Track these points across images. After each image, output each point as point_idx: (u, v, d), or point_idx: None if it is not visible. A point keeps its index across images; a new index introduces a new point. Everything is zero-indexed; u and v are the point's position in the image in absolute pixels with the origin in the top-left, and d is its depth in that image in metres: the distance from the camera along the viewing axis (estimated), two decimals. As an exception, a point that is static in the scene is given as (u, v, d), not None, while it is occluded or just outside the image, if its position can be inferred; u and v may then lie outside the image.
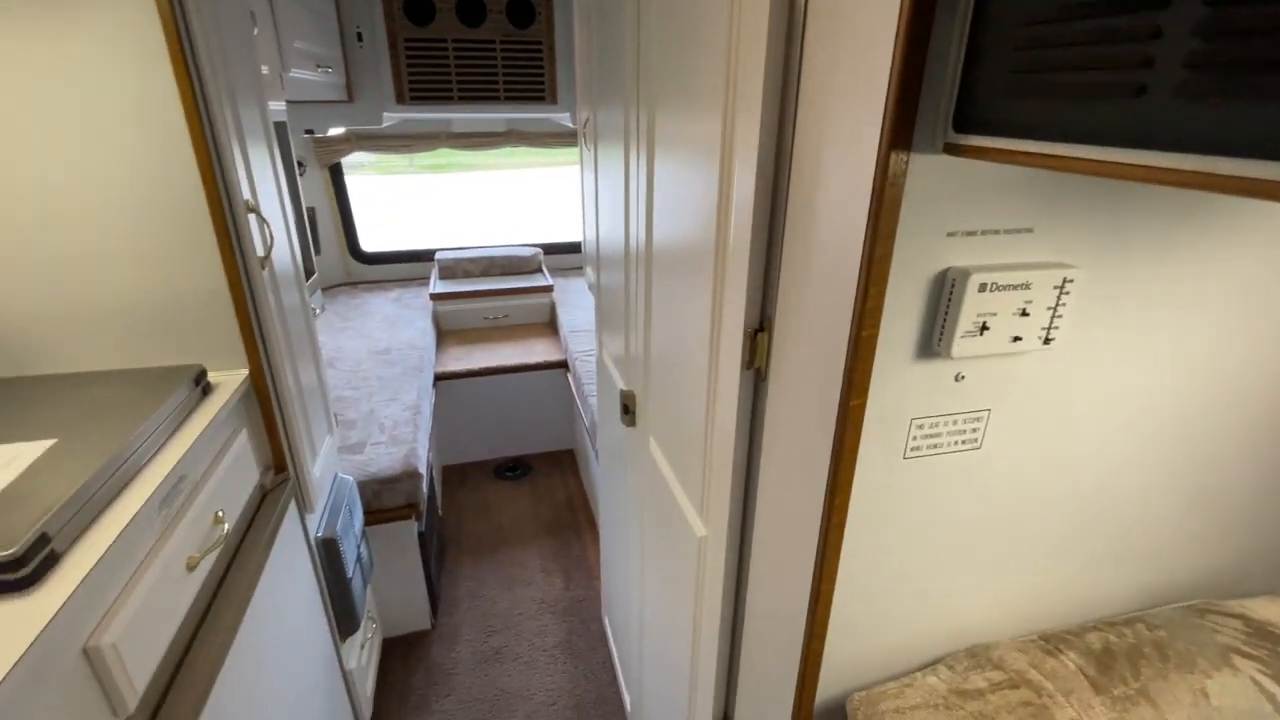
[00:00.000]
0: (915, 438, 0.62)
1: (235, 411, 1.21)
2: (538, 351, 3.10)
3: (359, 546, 1.74)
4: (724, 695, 1.00)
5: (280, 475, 1.36)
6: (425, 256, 3.83)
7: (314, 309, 1.76)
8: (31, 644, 0.63)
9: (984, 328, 0.55)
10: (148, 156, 1.09)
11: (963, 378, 0.60)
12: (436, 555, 2.33)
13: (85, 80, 1.03)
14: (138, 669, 0.81)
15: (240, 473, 1.19)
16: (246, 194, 1.21)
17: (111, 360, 1.18)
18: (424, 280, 3.73)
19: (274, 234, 1.32)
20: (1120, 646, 0.73)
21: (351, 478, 1.78)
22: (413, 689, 1.94)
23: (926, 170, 0.51)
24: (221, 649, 0.97)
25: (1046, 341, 0.58)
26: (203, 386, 1.16)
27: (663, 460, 1.15)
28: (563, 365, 3.00)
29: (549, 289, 3.47)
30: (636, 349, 1.28)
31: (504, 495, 2.90)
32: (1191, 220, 0.60)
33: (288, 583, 1.32)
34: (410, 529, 2.00)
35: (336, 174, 3.46)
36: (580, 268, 3.88)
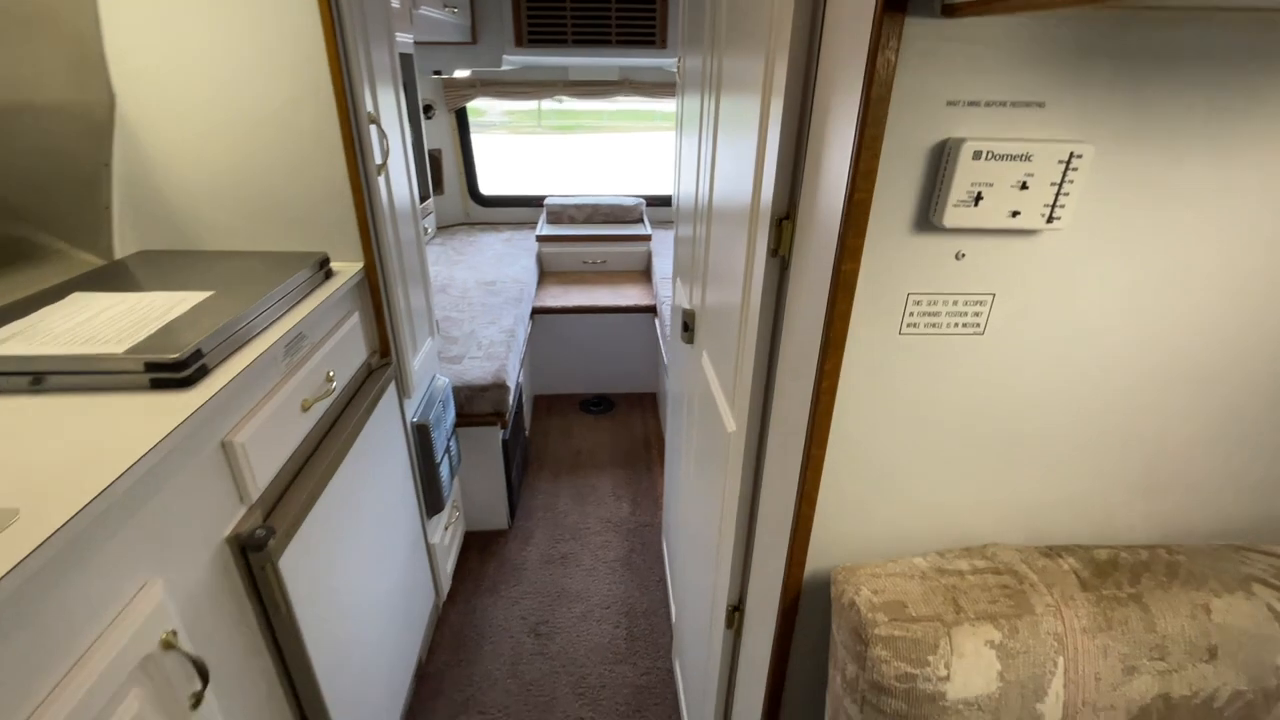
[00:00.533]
0: (912, 314, 0.65)
1: (349, 295, 1.42)
2: (630, 296, 3.22)
3: (449, 440, 1.96)
4: (739, 583, 1.07)
5: (384, 360, 1.58)
6: (536, 202, 4.04)
7: (425, 228, 1.97)
8: (184, 421, 0.83)
9: (979, 198, 0.57)
10: (294, 74, 1.29)
11: (963, 256, 0.62)
12: (519, 466, 2.55)
13: (259, 9, 1.23)
14: (260, 469, 1.02)
15: (350, 347, 1.40)
16: (369, 107, 1.39)
17: (256, 243, 1.43)
18: (534, 224, 3.95)
19: (391, 146, 1.50)
20: (1128, 561, 0.72)
21: (448, 380, 2.00)
22: (486, 575, 2.17)
23: (926, 35, 0.53)
24: (323, 478, 1.18)
25: (1050, 219, 0.58)
26: (325, 270, 1.37)
27: (709, 367, 1.22)
28: (652, 310, 3.10)
29: (647, 238, 3.56)
30: (698, 268, 1.35)
31: (586, 426, 3.08)
32: (1221, 113, 0.57)
33: (383, 452, 1.53)
34: (495, 435, 2.21)
35: (461, 119, 3.72)
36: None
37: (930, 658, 0.62)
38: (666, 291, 2.93)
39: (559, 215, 3.76)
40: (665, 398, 2.96)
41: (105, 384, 0.90)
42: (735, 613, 1.08)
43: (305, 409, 1.17)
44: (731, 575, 1.06)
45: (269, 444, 1.05)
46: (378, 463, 1.49)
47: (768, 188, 0.78)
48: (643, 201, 3.82)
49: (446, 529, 2.04)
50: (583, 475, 2.70)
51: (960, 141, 0.55)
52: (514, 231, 3.87)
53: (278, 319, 1.15)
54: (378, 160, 1.43)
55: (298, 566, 1.06)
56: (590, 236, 3.56)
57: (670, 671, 1.83)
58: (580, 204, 3.76)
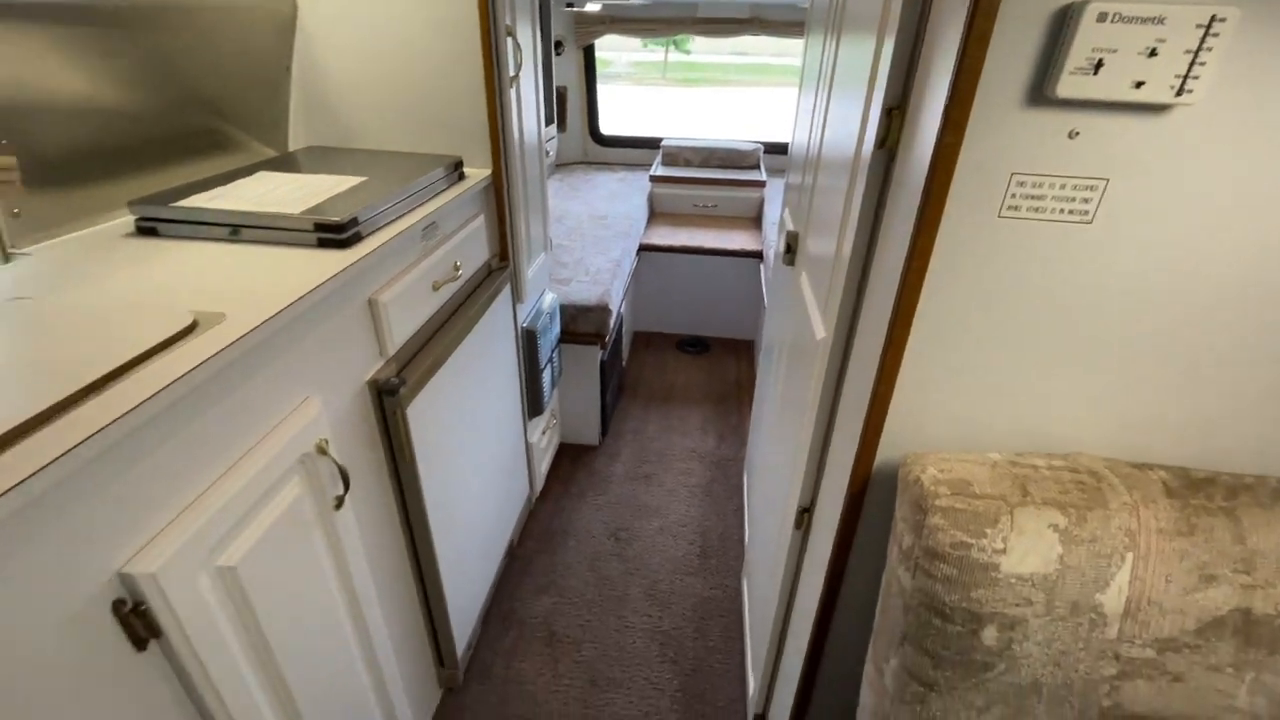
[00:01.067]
0: (1014, 196, 0.64)
1: (477, 197, 1.56)
2: (737, 241, 3.21)
3: (553, 351, 2.10)
4: (811, 486, 1.11)
5: (503, 263, 1.72)
6: (653, 144, 4.07)
7: (547, 151, 2.08)
8: (342, 271, 0.98)
9: (1099, 65, 0.55)
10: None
11: (1077, 135, 0.61)
12: (614, 390, 2.68)
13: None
14: (397, 329, 1.18)
15: (474, 245, 1.54)
16: (507, 19, 1.49)
17: (401, 144, 1.59)
18: (648, 166, 4.00)
19: (524, 62, 1.60)
20: (1228, 481, 0.69)
21: (556, 297, 2.14)
22: (575, 482, 2.34)
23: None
24: (445, 351, 1.33)
25: (1180, 92, 0.56)
26: (459, 172, 1.51)
27: (805, 285, 1.24)
28: (758, 256, 3.09)
29: (761, 184, 3.51)
30: (805, 193, 1.35)
31: (681, 363, 3.16)
32: None
33: (495, 346, 1.69)
34: (594, 355, 2.34)
35: (589, 57, 3.80)
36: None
37: (989, 530, 0.64)
38: (774, 236, 2.89)
39: (674, 157, 3.78)
40: (762, 345, 2.96)
41: (283, 239, 1.07)
42: (805, 514, 1.12)
43: (435, 289, 1.32)
44: (805, 478, 1.10)
45: (405, 309, 1.20)
46: (490, 355, 1.64)
47: (882, 75, 0.78)
48: (760, 147, 3.75)
49: (544, 433, 2.21)
50: (673, 408, 2.79)
51: (1085, 1, 0.54)
52: (628, 172, 3.94)
53: (417, 206, 1.30)
54: (511, 72, 1.54)
55: (421, 419, 1.22)
56: (704, 180, 3.56)
57: (737, 590, 1.91)
58: (697, 147, 3.75)
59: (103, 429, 0.61)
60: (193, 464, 0.75)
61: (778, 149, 3.90)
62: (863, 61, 0.89)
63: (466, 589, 1.58)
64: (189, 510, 0.74)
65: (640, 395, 2.88)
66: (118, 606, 0.66)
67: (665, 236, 3.25)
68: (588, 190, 3.57)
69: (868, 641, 0.97)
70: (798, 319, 1.27)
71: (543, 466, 2.23)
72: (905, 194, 0.73)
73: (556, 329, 2.13)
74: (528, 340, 1.90)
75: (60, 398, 0.63)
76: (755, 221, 3.54)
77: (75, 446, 0.58)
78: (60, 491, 0.59)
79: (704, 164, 3.76)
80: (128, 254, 1.02)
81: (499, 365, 1.73)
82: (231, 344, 0.76)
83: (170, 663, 0.73)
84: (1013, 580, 0.64)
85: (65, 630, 0.61)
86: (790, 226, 1.56)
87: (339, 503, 1.01)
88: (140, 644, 0.69)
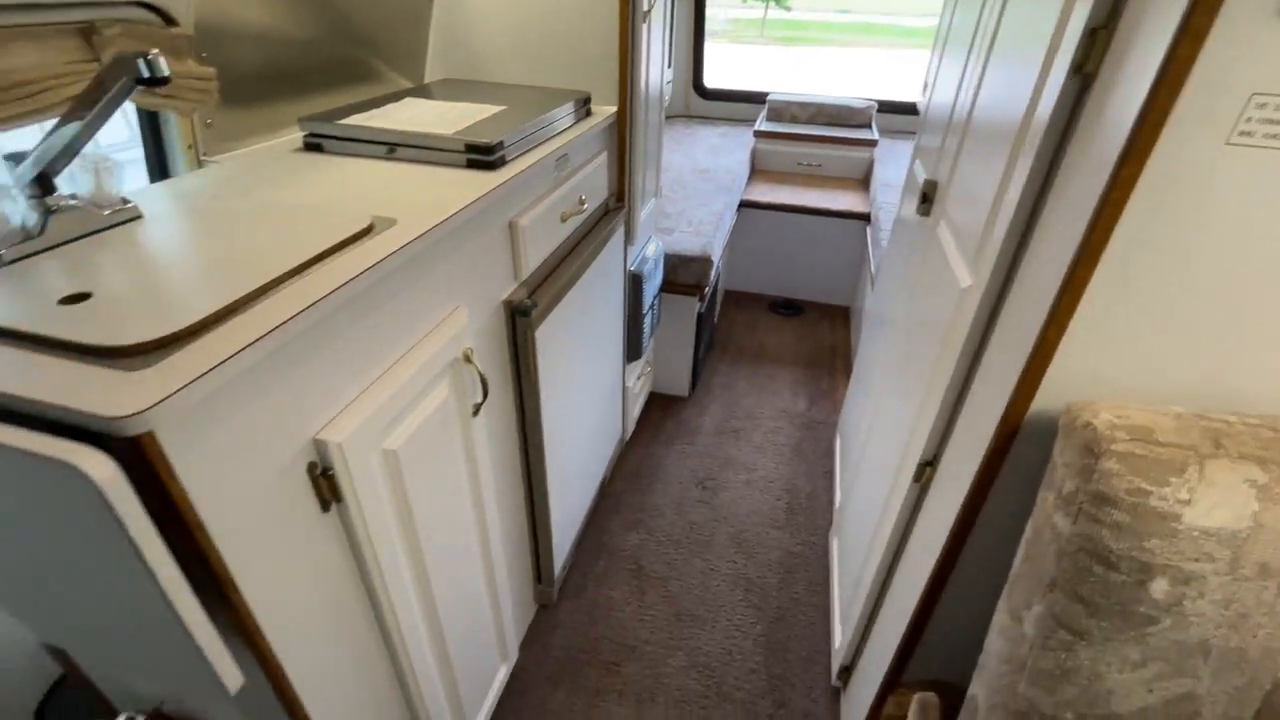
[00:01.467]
0: (1250, 120, 0.58)
1: (602, 135, 1.57)
2: (843, 201, 3.09)
3: (655, 299, 2.12)
4: (936, 440, 1.08)
5: (619, 204, 1.73)
6: (758, 98, 3.94)
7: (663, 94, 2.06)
8: (492, 190, 1.02)
9: (1395, -38, 0.49)
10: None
11: (1343, 49, 0.54)
12: (706, 344, 2.68)
13: None
14: (530, 255, 1.22)
15: (596, 182, 1.56)
16: (645, -49, 1.47)
17: (530, 78, 1.62)
18: (751, 122, 3.88)
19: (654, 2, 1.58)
20: None
21: (661, 245, 2.14)
22: (664, 430, 2.38)
23: None
24: (568, 283, 1.37)
25: None
26: (587, 108, 1.52)
27: (945, 232, 1.18)
28: (865, 218, 2.96)
29: (872, 143, 3.34)
30: (954, 136, 1.27)
31: (772, 324, 3.11)
32: None
33: (605, 286, 1.72)
34: (692, 306, 2.34)
35: (700, 6, 3.69)
36: (910, 132, 3.62)
37: (1173, 479, 0.61)
38: (886, 198, 2.76)
39: (780, 112, 3.65)
40: (860, 313, 2.87)
41: (435, 159, 1.13)
42: (926, 468, 1.10)
43: (563, 220, 1.36)
44: (931, 431, 1.07)
45: (537, 236, 1.24)
46: (602, 294, 1.68)
47: (1086, -6, 0.71)
48: (873, 105, 3.55)
49: (639, 379, 2.25)
50: (763, 367, 2.76)
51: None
52: (730, 127, 3.84)
53: (551, 138, 1.32)
54: (645, 6, 1.52)
55: (545, 343, 1.27)
56: (811, 136, 3.42)
57: (824, 548, 1.91)
58: (805, 102, 3.61)
59: (314, 304, 0.67)
60: (370, 355, 0.82)
61: (893, 108, 3.69)
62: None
63: (565, 512, 1.65)
64: (365, 395, 0.81)
65: (730, 353, 2.87)
66: (311, 468, 0.74)
67: (767, 194, 3.17)
68: (689, 143, 3.51)
69: (990, 592, 0.96)
70: (932, 270, 1.22)
71: (635, 411, 2.28)
72: (1105, 123, 0.67)
73: (659, 277, 2.14)
74: (634, 284, 1.92)
75: (267, 280, 0.69)
76: (862, 183, 3.38)
77: (291, 319, 0.64)
78: (271, 362, 0.66)
79: (811, 120, 3.61)
80: (298, 167, 1.10)
81: (608, 305, 1.76)
82: (409, 243, 0.81)
83: (344, 525, 0.81)
84: (1195, 534, 0.61)
85: (276, 482, 0.69)
86: (925, 176, 1.49)
87: (476, 410, 1.07)
88: (325, 506, 0.77)
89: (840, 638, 1.55)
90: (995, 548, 0.93)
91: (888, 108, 3.68)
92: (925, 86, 1.78)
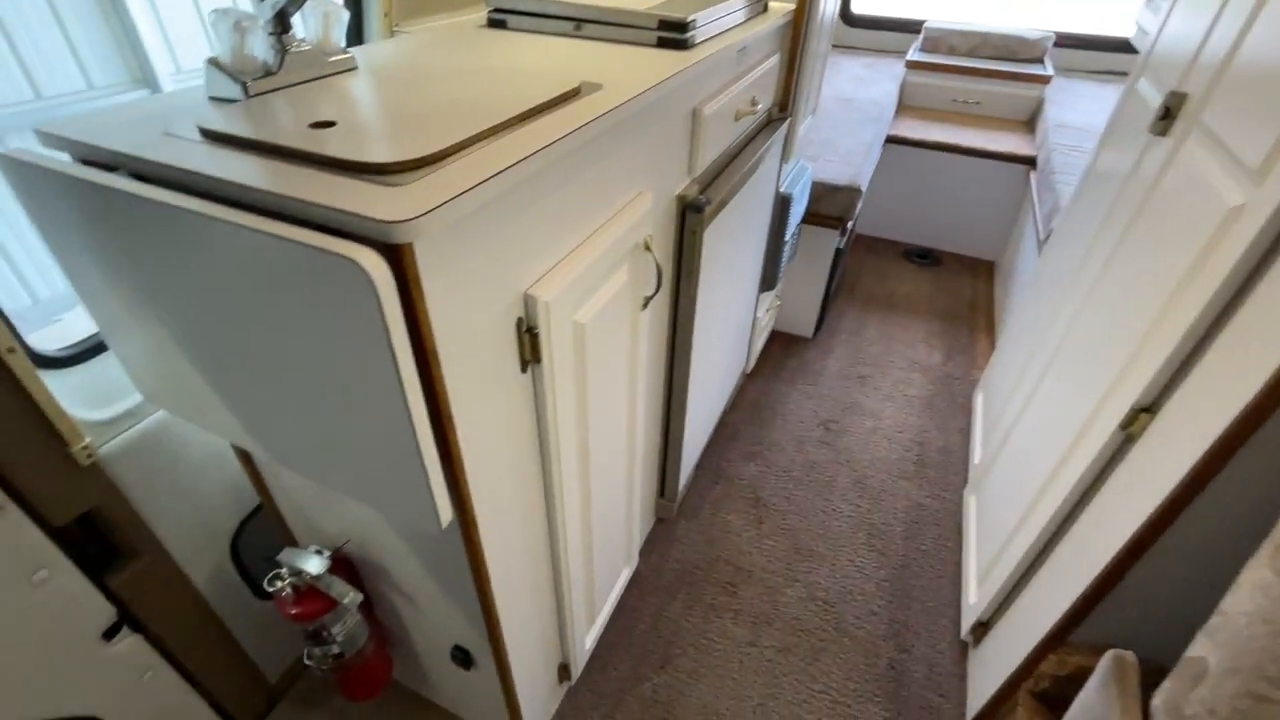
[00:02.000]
0: None
1: (776, 34, 1.45)
2: (1004, 143, 2.79)
3: (797, 226, 2.01)
4: (1162, 385, 0.95)
5: (782, 113, 1.62)
6: (911, 27, 3.58)
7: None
8: (683, 70, 0.96)
9: None
10: None
11: None
12: (836, 285, 2.55)
13: None
14: (707, 148, 1.16)
15: (766, 85, 1.46)
16: None
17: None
18: (900, 54, 3.55)
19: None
20: None
21: (810, 169, 2.01)
22: (785, 368, 2.30)
23: None
24: (735, 188, 1.30)
25: None
26: (763, 3, 1.41)
27: (1198, 148, 1.01)
28: (1029, 162, 2.66)
29: (1045, 80, 2.97)
30: (1219, 44, 1.07)
31: (906, 273, 2.91)
32: None
33: (758, 202, 1.63)
34: (830, 240, 2.21)
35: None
36: (1098, 71, 3.19)
37: None
38: (1062, 139, 2.46)
39: (938, 43, 3.30)
40: (1009, 270, 2.62)
41: (624, 36, 1.07)
42: (1141, 414, 0.97)
43: (736, 119, 1.28)
44: (1156, 374, 0.94)
45: (714, 129, 1.17)
46: (754, 209, 1.59)
47: None
48: (1050, 37, 3.14)
49: (767, 311, 2.17)
50: (893, 316, 2.60)
51: None
52: (875, 58, 3.53)
53: (734, 26, 1.23)
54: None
55: (708, 246, 1.22)
56: (972, 70, 3.09)
57: (957, 504, 1.80)
58: (966, 32, 3.23)
59: (547, 145, 0.64)
60: (570, 222, 0.80)
61: (1076, 43, 3.25)
62: None
63: (692, 431, 1.63)
64: (565, 262, 0.80)
65: (858, 298, 2.72)
66: (519, 324, 0.74)
67: (915, 130, 2.91)
68: (832, 72, 3.26)
69: (1207, 555, 0.85)
70: (1170, 194, 1.06)
71: (758, 344, 2.21)
72: None
73: (804, 203, 2.02)
74: (781, 206, 1.82)
75: (495, 122, 0.67)
76: (1027, 125, 3.03)
77: (529, 156, 0.62)
78: (498, 205, 0.64)
79: (972, 53, 3.24)
80: (486, 40, 1.08)
81: (756, 225, 1.68)
82: (620, 105, 0.77)
83: (535, 389, 0.81)
84: None
85: (490, 331, 0.69)
86: (1171, 87, 1.27)
87: (645, 304, 1.05)
88: (524, 366, 0.77)
89: (975, 594, 1.46)
90: (1234, 507, 0.81)
91: (1069, 41, 3.25)
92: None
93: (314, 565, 0.93)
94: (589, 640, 1.34)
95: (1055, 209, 2.02)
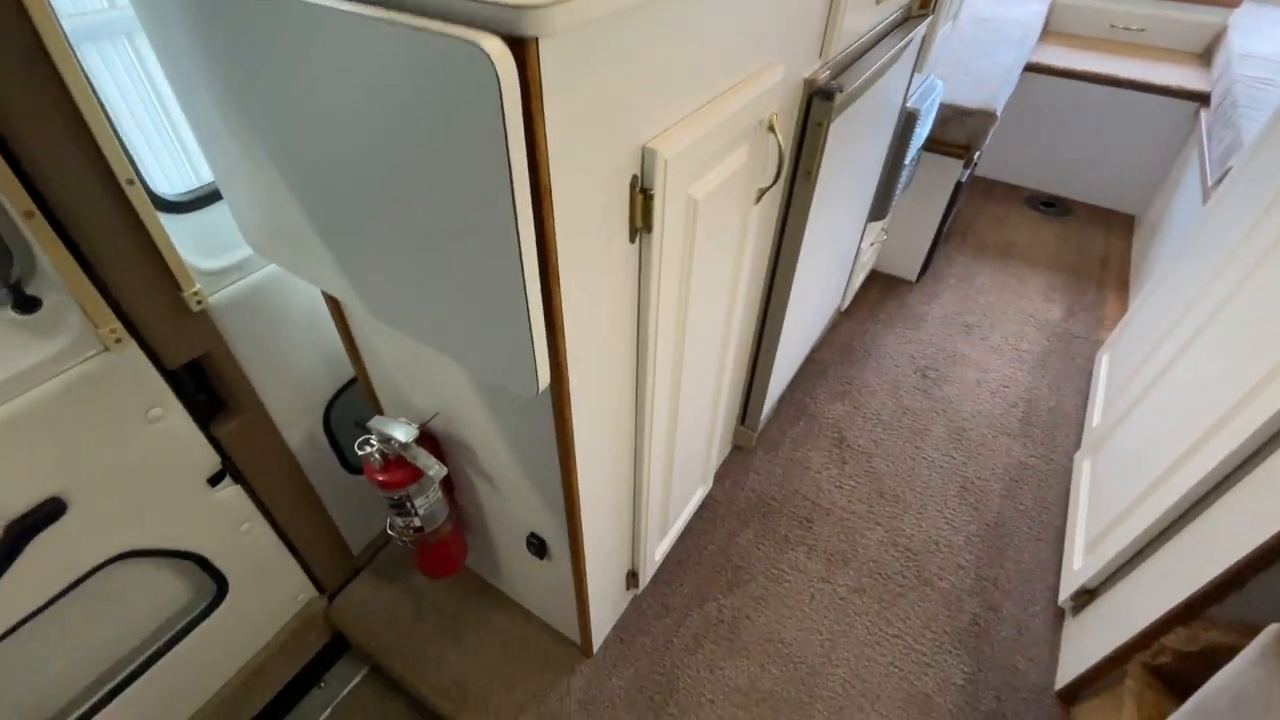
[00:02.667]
0: None
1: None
2: (1171, 76, 2.41)
3: (918, 150, 1.82)
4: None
5: (922, 10, 1.43)
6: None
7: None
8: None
9: None
10: None
11: None
12: (947, 227, 2.33)
13: None
14: (844, 30, 1.02)
15: (913, -30, 1.28)
16: None
17: None
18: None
19: None
20: None
21: (941, 84, 1.80)
22: (883, 310, 2.15)
23: None
24: (869, 80, 1.16)
25: None
26: None
27: None
28: (1199, 99, 2.30)
29: (1232, 3, 2.53)
30: None
31: (1027, 221, 2.63)
32: None
33: (883, 111, 1.46)
34: (953, 172, 1.99)
35: None
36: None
37: None
38: (1249, 70, 2.10)
39: (1101, -42, 2.86)
40: (1154, 225, 2.31)
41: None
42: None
43: (877, 1, 1.12)
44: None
45: (851, 9, 1.03)
46: (877, 120, 1.44)
47: None
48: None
49: (871, 245, 2.01)
50: (1010, 266, 2.36)
51: None
52: (1023, -23, 3.11)
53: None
54: None
55: (831, 144, 1.10)
56: (1141, -12, 2.67)
57: (1065, 467, 1.64)
58: (1141, -56, 2.78)
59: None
60: (697, 75, 0.71)
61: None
62: None
63: (783, 357, 1.54)
64: (686, 121, 0.71)
65: (970, 244, 2.48)
66: (633, 183, 0.67)
67: (1061, 58, 2.57)
68: (968, -10, 2.91)
69: None
70: None
71: (856, 281, 2.07)
72: None
73: (929, 125, 1.82)
74: (906, 123, 1.64)
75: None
76: (1201, 57, 2.61)
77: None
78: (616, 32, 0.56)
79: (1142, -29, 2.80)
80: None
81: (878, 137, 1.52)
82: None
83: (640, 262, 0.75)
84: None
85: (603, 185, 0.62)
86: None
87: (759, 196, 0.95)
88: (633, 235, 0.71)
89: (1081, 560, 1.34)
90: None
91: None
92: None
93: (402, 433, 0.93)
94: (659, 552, 1.32)
95: (1234, 146, 1.73)
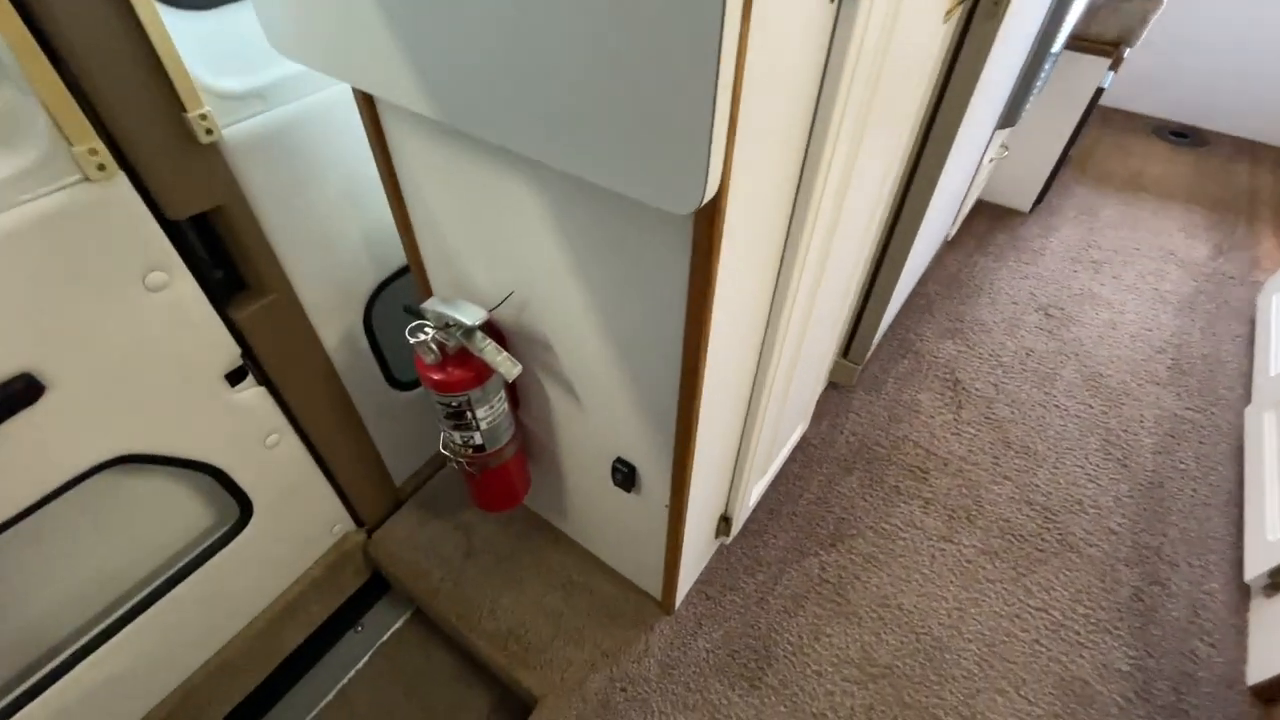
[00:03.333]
0: None
1: None
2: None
3: (1061, 47, 1.51)
4: None
5: None
6: None
7: None
8: None
9: None
10: None
11: None
12: (1065, 154, 2.01)
13: None
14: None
15: None
16: None
17: None
18: None
19: None
20: None
21: (1097, -41, 1.48)
22: (993, 242, 1.86)
23: None
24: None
25: None
26: None
27: None
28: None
29: None
30: None
31: (1155, 152, 2.29)
32: None
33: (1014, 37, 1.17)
34: (1095, 75, 1.68)
35: None
36: None
37: None
38: None
39: None
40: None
41: None
42: None
43: None
44: None
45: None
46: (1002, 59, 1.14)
47: None
48: None
49: (990, 162, 1.72)
50: (1141, 199, 2.04)
51: None
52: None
53: None
54: None
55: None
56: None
57: (1235, 423, 1.37)
58: None
59: None
60: None
61: None
62: None
63: (906, 273, 1.29)
64: None
65: (1090, 175, 2.16)
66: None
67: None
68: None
69: None
70: None
71: (964, 207, 1.78)
72: None
73: (1075, 16, 1.50)
74: (1056, 9, 1.34)
75: None
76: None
77: None
78: None
79: None
80: None
81: (1031, 17, 1.23)
82: None
83: (833, 34, 0.51)
84: None
85: None
86: None
87: (951, 8, 0.69)
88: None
89: (1274, 531, 1.08)
90: None
91: None
92: None
93: (469, 315, 0.72)
94: (755, 494, 1.10)
95: None
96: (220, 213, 0.75)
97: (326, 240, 0.89)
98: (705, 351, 0.60)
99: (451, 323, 0.73)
